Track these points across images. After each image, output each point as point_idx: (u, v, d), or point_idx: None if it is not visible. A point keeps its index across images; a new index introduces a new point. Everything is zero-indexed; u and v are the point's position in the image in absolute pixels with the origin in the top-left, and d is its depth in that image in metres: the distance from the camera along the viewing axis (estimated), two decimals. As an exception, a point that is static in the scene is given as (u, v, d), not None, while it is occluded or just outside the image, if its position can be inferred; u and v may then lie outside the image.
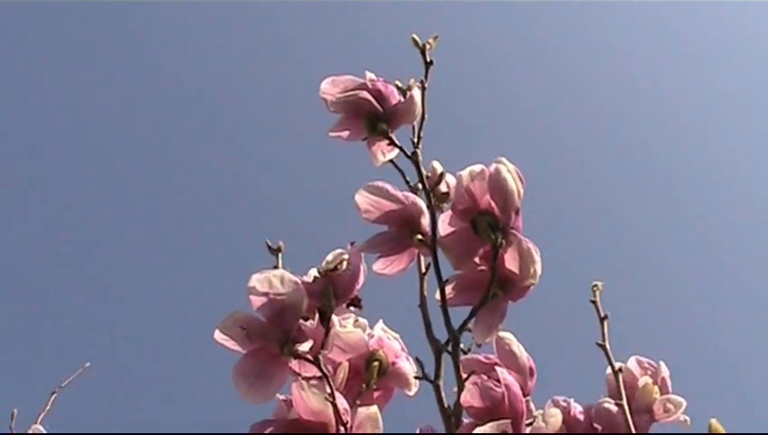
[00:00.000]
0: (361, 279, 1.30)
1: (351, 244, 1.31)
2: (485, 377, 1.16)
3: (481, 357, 1.25)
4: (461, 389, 1.19)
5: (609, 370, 1.54)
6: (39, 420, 2.15)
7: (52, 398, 2.23)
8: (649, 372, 1.57)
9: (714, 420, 1.38)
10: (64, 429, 2.16)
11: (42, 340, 5.02)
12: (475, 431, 1.10)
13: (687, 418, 1.55)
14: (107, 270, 5.49)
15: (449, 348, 1.25)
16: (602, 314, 1.50)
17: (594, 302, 1.51)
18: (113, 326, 5.25)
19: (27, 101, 5.62)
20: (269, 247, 1.40)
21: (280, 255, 1.38)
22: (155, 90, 5.90)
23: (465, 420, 1.20)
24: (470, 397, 1.13)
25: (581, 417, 1.55)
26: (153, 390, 4.91)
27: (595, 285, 1.52)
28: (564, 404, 1.54)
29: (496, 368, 1.17)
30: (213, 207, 5.70)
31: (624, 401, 1.44)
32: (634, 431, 1.47)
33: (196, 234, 5.68)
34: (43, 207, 5.59)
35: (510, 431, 1.11)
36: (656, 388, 1.56)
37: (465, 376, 1.19)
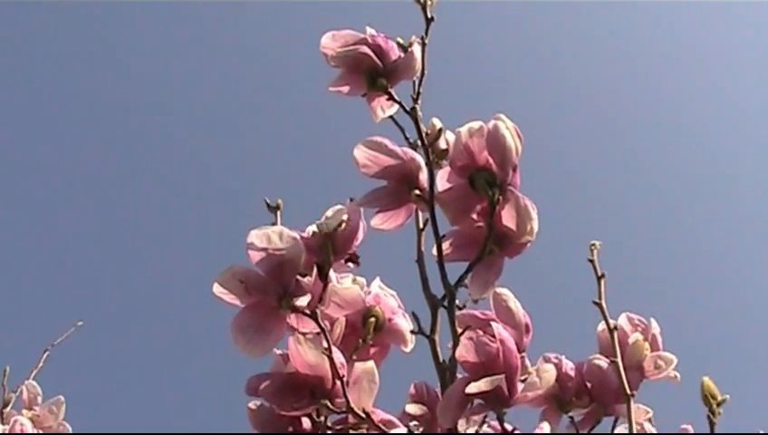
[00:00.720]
0: (361, 235, 1.30)
1: (351, 200, 1.31)
2: (481, 332, 1.15)
3: (477, 313, 1.25)
4: (456, 344, 1.19)
5: (600, 327, 1.55)
6: (32, 377, 2.17)
7: (45, 355, 2.26)
8: (640, 329, 1.58)
9: (706, 379, 1.39)
10: (56, 385, 2.18)
11: (35, 297, 5.03)
12: (467, 390, 1.10)
13: (678, 375, 1.56)
14: (102, 229, 5.49)
15: (445, 303, 1.25)
16: (599, 273, 1.50)
17: (592, 261, 1.52)
18: (107, 284, 5.26)
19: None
20: (268, 205, 1.40)
21: (279, 212, 1.39)
22: (155, 40, 5.87)
23: (460, 375, 1.21)
24: (465, 352, 1.13)
25: (573, 374, 1.56)
26: (146, 348, 4.93)
27: (593, 244, 1.52)
28: (556, 361, 1.55)
29: (492, 323, 1.17)
30: (212, 165, 5.69)
31: (619, 359, 1.45)
32: (627, 388, 1.48)
33: (195, 192, 5.68)
34: (36, 162, 5.57)
35: (503, 386, 1.11)
36: (646, 344, 1.56)
37: (460, 331, 1.20)
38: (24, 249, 5.23)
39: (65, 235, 5.47)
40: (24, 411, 2.08)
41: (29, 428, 2.01)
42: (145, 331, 4.98)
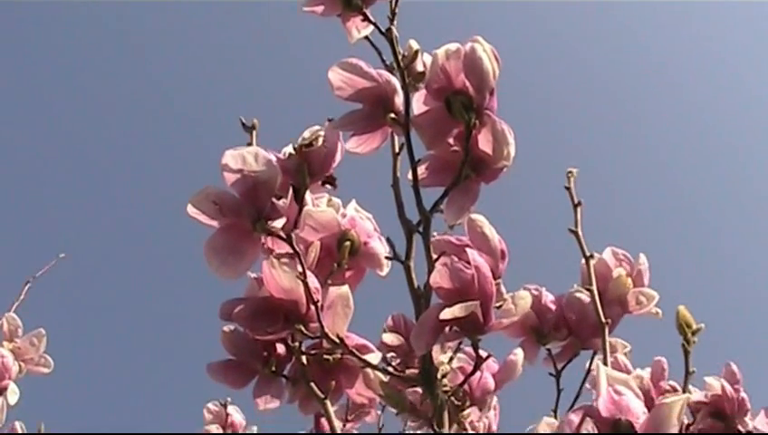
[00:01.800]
0: (338, 157, 1.28)
1: (329, 120, 1.29)
2: (456, 258, 1.14)
3: (452, 238, 1.25)
4: (431, 270, 1.18)
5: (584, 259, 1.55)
6: (13, 309, 2.17)
7: (27, 287, 2.25)
8: (624, 264, 1.58)
9: (682, 308, 1.40)
10: (37, 317, 2.18)
11: (17, 229, 5.01)
12: (441, 315, 1.09)
13: (660, 311, 1.57)
14: (82, 159, 5.45)
15: (421, 229, 1.24)
16: (576, 201, 1.50)
17: (568, 188, 1.51)
18: (90, 216, 5.24)
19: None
20: (243, 125, 1.38)
21: (254, 132, 1.38)
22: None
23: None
24: (439, 278, 1.12)
25: (553, 306, 1.56)
26: (127, 280, 4.93)
27: (570, 172, 1.51)
28: (536, 293, 1.55)
29: (467, 249, 1.16)
30: (189, 86, 5.63)
31: (594, 288, 1.45)
32: (604, 319, 1.48)
33: (171, 115, 5.64)
34: (13, 93, 5.51)
35: (478, 313, 1.11)
36: (629, 280, 1.57)
37: (435, 257, 1.19)
38: (5, 181, 5.20)
39: (47, 166, 5.44)
40: (5, 343, 2.09)
41: (10, 360, 2.01)
42: (126, 262, 4.98)
